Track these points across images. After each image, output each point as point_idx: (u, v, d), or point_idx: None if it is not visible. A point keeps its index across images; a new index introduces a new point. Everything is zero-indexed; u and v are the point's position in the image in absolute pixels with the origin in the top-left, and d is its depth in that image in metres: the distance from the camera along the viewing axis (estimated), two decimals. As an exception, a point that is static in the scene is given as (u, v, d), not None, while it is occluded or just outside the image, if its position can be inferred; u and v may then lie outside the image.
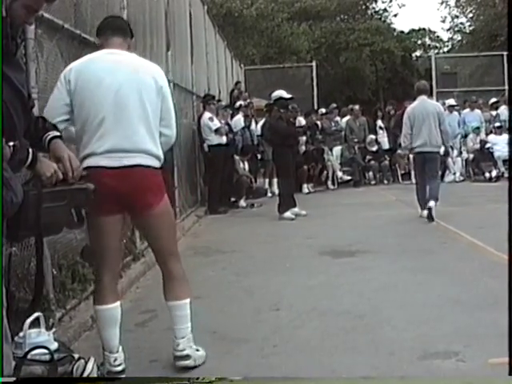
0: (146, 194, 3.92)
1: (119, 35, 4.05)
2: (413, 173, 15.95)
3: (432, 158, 9.95)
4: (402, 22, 75.46)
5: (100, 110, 3.82)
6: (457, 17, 36.28)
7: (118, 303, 4.04)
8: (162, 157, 4.02)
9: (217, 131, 11.99)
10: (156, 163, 3.97)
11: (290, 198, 11.00)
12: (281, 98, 11.17)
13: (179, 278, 4.13)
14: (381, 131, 17.44)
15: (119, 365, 3.92)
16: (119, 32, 4.06)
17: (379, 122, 17.58)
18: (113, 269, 4.05)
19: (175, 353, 4.08)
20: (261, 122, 14.89)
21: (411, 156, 15.44)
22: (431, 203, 9.70)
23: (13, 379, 3.14)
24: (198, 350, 4.16)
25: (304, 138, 14.90)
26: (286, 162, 11.04)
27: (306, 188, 14.93)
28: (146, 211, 3.95)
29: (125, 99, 3.85)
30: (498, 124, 16.79)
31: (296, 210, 10.95)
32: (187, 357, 4.07)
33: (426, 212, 9.74)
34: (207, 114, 12.12)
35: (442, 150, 10.69)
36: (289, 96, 11.26)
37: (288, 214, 10.80)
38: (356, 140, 17.09)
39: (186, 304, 4.13)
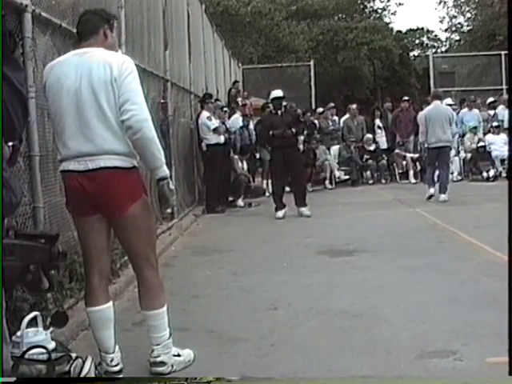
0: (114, 196, 3.81)
1: (87, 37, 3.95)
2: (411, 172, 16.09)
3: (444, 151, 12.16)
4: (400, 22, 75.63)
5: (61, 116, 3.82)
6: (455, 17, 36.40)
7: (109, 303, 4.00)
8: (131, 153, 3.83)
9: (215, 130, 11.97)
10: (125, 163, 3.82)
11: (280, 199, 11.07)
12: (274, 99, 11.27)
13: (153, 287, 4.04)
14: (379, 130, 17.44)
15: (116, 365, 3.90)
16: (86, 34, 3.96)
17: (377, 122, 17.59)
18: (101, 268, 3.98)
19: (150, 359, 4.03)
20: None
21: (408, 155, 15.75)
22: (442, 197, 11.88)
23: (13, 379, 3.14)
24: (178, 355, 4.10)
25: (301, 137, 14.91)
26: (276, 162, 11.16)
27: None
28: (117, 213, 3.85)
29: (82, 102, 3.76)
30: (495, 123, 16.81)
31: (303, 209, 10.96)
32: (161, 363, 4.01)
33: (432, 190, 12.09)
34: (205, 113, 12.09)
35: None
36: (275, 95, 11.31)
37: (278, 213, 10.90)
38: (354, 139, 17.07)
39: (160, 314, 4.04)
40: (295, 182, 11.37)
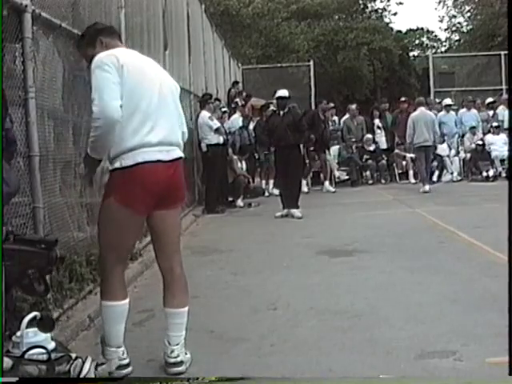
0: (183, 187, 4.08)
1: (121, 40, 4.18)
2: (411, 172, 16.13)
3: (430, 150, 14.51)
4: (400, 22, 75.43)
5: (149, 102, 3.81)
6: (454, 16, 36.35)
7: (128, 299, 4.01)
8: None
9: (217, 130, 11.98)
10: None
11: (283, 198, 11.13)
12: (276, 98, 11.32)
13: (186, 283, 4.12)
14: (378, 130, 17.45)
15: (126, 358, 3.93)
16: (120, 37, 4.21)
17: (377, 122, 17.59)
18: (125, 265, 4.10)
19: (169, 359, 4.02)
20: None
21: (408, 156, 15.79)
22: (426, 187, 13.97)
23: (14, 379, 3.15)
24: (186, 353, 4.11)
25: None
26: (277, 163, 11.31)
27: (305, 186, 14.91)
28: (177, 204, 4.07)
29: (166, 94, 3.94)
30: (495, 124, 16.81)
31: (293, 210, 10.96)
32: (181, 363, 4.02)
33: (428, 187, 13.92)
34: (206, 114, 12.08)
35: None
36: (277, 95, 11.32)
37: (278, 213, 10.97)
38: (353, 139, 17.09)
39: (186, 311, 4.09)
40: (291, 183, 11.32)
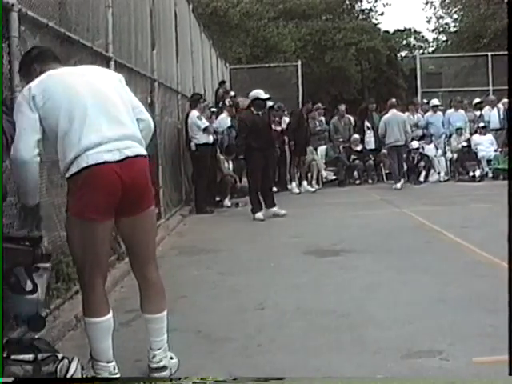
0: (148, 188, 3.76)
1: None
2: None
3: (401, 149, 15.42)
4: (388, 22, 75.70)
5: (83, 108, 3.56)
6: (442, 17, 36.44)
7: (111, 313, 3.78)
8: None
9: (205, 130, 11.95)
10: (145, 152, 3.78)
11: (257, 199, 10.97)
12: (257, 99, 11.14)
13: (162, 288, 3.97)
14: (368, 131, 17.45)
15: (117, 373, 3.77)
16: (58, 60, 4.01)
17: (366, 122, 17.59)
18: (104, 274, 3.80)
19: (151, 364, 3.92)
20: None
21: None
22: (398, 185, 14.90)
23: (11, 379, 3.13)
24: (171, 358, 4.01)
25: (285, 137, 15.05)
26: (258, 163, 10.95)
27: (296, 188, 14.94)
28: (145, 207, 3.77)
29: (104, 91, 3.72)
30: (482, 124, 16.89)
31: (275, 209, 10.96)
32: (164, 368, 3.92)
33: (399, 185, 14.85)
34: (195, 113, 12.06)
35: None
36: (265, 96, 11.15)
37: (258, 214, 10.84)
38: (341, 139, 17.11)
39: (165, 315, 3.96)
40: (268, 183, 11.30)
